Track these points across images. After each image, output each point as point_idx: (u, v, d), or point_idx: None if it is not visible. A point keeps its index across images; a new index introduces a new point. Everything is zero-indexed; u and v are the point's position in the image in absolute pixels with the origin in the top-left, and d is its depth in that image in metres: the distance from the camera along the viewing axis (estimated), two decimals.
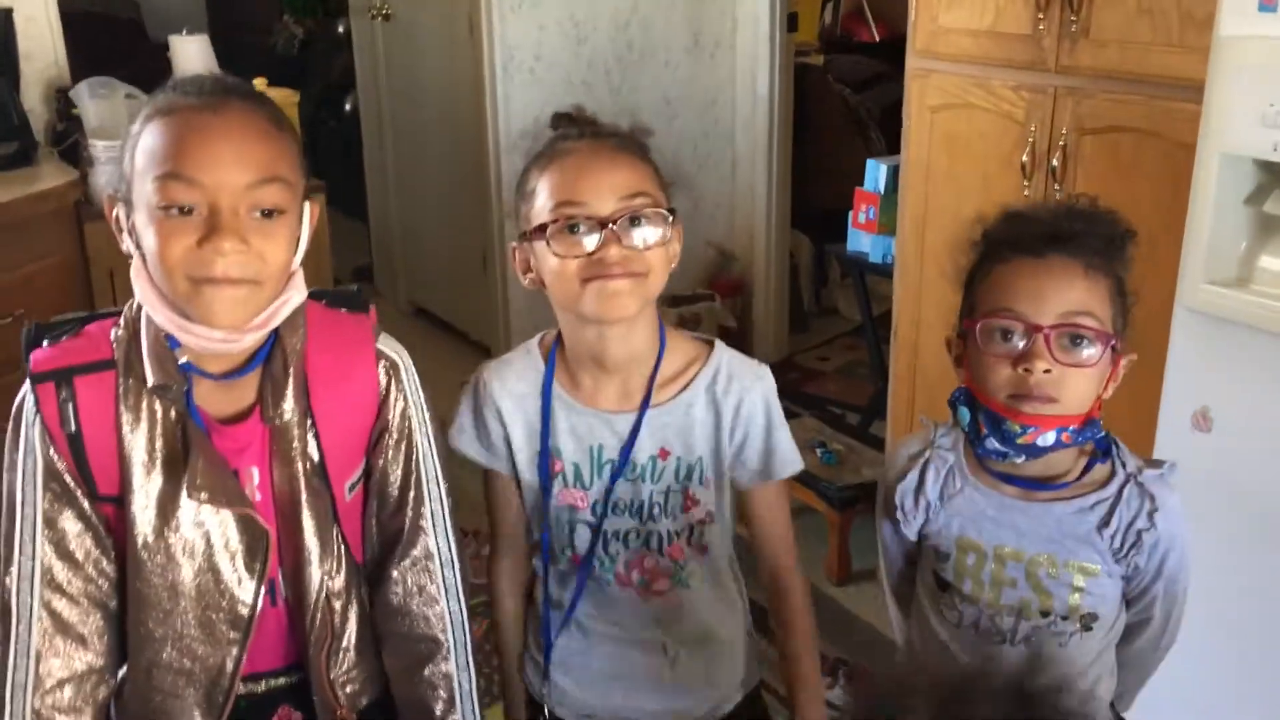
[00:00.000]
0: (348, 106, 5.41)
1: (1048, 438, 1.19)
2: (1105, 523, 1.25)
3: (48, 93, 2.94)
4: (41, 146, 2.84)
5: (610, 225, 1.21)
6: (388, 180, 4.76)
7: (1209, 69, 1.77)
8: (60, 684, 1.15)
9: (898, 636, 1.55)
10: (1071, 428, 1.20)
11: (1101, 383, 1.22)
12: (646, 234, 1.23)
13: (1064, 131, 2.20)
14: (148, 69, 2.82)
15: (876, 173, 3.05)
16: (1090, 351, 1.18)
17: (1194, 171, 1.85)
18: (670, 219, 1.26)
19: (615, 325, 1.26)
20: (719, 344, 1.38)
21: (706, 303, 3.94)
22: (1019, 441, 1.20)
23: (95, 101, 2.71)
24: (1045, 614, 1.28)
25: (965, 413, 1.25)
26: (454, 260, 4.35)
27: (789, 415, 1.40)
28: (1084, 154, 2.19)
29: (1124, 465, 1.27)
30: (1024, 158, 2.27)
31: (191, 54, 2.93)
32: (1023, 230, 1.23)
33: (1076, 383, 1.18)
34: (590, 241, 1.21)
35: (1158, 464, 1.28)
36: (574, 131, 1.29)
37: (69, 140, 2.81)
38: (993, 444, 1.22)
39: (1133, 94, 2.09)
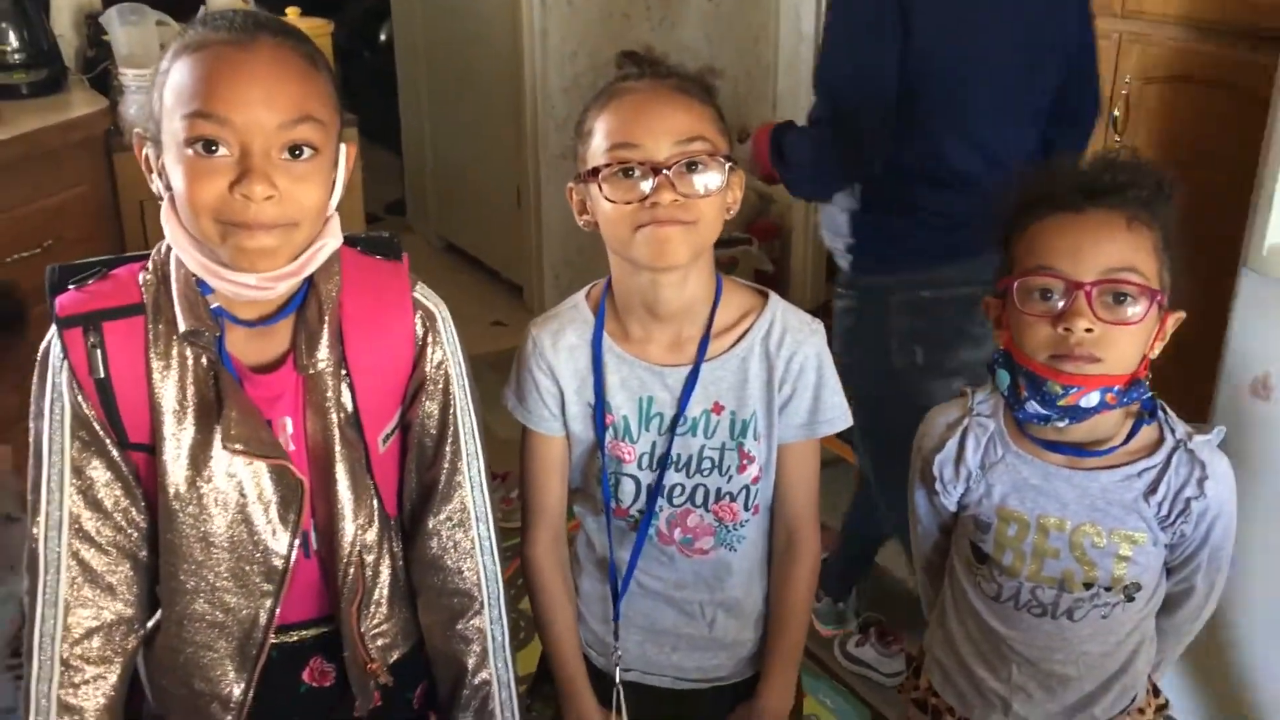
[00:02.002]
0: (383, 37, 5.32)
1: (1091, 399, 1.15)
2: (1153, 490, 1.21)
3: (78, 19, 2.89)
4: (71, 73, 2.78)
5: (665, 171, 1.17)
6: (422, 113, 4.69)
7: None
8: (89, 633, 1.13)
9: (925, 610, 1.51)
10: (1116, 388, 1.15)
11: (1147, 341, 1.17)
12: (703, 180, 1.19)
13: (1128, 79, 2.12)
14: None
15: None
16: (1134, 309, 1.13)
17: (1268, 125, 1.76)
18: (728, 166, 1.21)
19: (669, 273, 1.23)
20: (773, 296, 1.34)
21: (744, 246, 3.87)
22: (1060, 404, 1.15)
23: (125, 28, 2.66)
24: (1088, 585, 1.24)
25: (1005, 375, 1.21)
26: (487, 196, 4.29)
27: None
28: (1148, 103, 2.11)
29: (1172, 431, 1.23)
30: None
31: None
32: (1060, 185, 1.18)
33: (1120, 341, 1.13)
34: (644, 187, 1.18)
35: (1205, 429, 1.23)
36: (635, 71, 1.25)
37: (99, 67, 2.75)
38: (1034, 407, 1.18)
39: (1204, 42, 2.00)
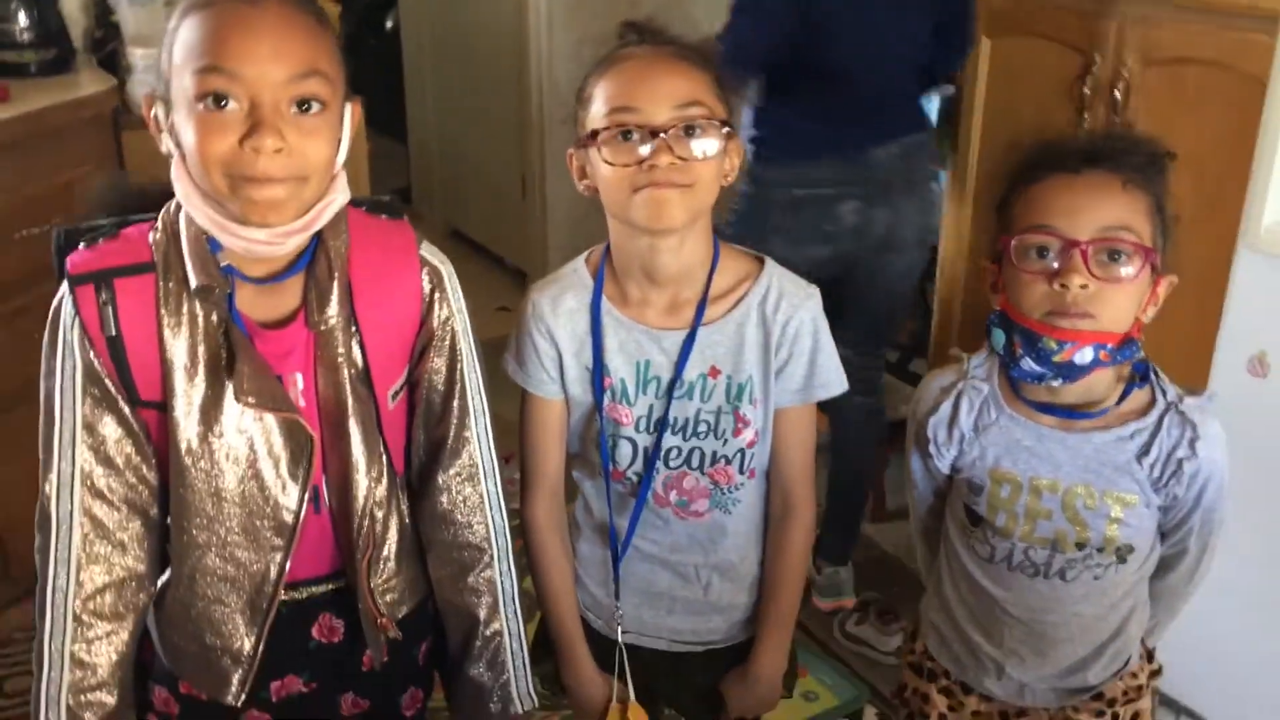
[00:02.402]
0: (389, 24, 5.33)
1: (1085, 354, 1.17)
2: (1145, 451, 1.23)
3: None
4: (80, 53, 2.80)
5: (663, 134, 1.19)
6: (428, 101, 4.70)
7: None
8: (101, 590, 1.15)
9: (923, 574, 1.53)
10: (1109, 345, 1.18)
11: (1141, 302, 1.19)
12: (701, 145, 1.21)
13: (1128, 62, 2.12)
14: None
15: (929, 104, 2.95)
16: (1129, 268, 1.16)
17: (1265, 105, 1.77)
18: (726, 131, 1.23)
19: (666, 236, 1.25)
20: (769, 261, 1.35)
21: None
22: (1055, 360, 1.18)
23: (134, 8, 2.67)
24: (1081, 546, 1.26)
25: (1000, 334, 1.23)
26: (493, 183, 4.30)
27: None
28: (1148, 86, 2.11)
29: (1164, 393, 1.25)
30: (1085, 89, 2.18)
31: None
32: (1058, 150, 1.21)
33: (1115, 299, 1.16)
34: (642, 150, 1.20)
35: (1197, 392, 1.25)
36: (634, 38, 1.27)
37: (108, 48, 2.77)
38: (1029, 364, 1.20)
39: (1203, 23, 2.01)
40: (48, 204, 2.36)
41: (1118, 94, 2.13)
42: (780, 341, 1.31)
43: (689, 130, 1.20)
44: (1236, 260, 1.86)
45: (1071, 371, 1.19)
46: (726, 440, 1.33)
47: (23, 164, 2.33)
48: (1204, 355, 1.89)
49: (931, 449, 1.33)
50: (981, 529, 1.31)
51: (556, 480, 1.40)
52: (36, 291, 2.33)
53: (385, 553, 1.24)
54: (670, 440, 1.34)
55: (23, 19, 2.61)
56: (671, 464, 1.35)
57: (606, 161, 1.22)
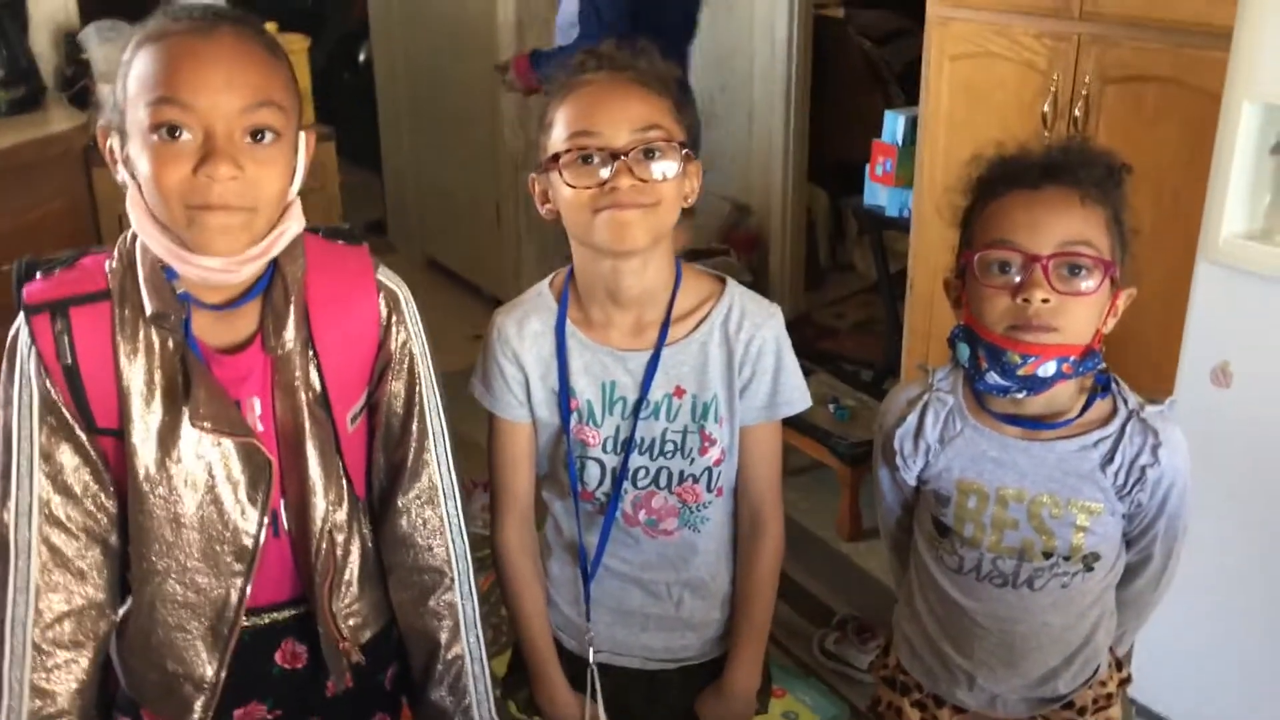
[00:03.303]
0: (362, 57, 5.36)
1: (1048, 368, 1.18)
2: (1109, 459, 1.24)
3: (56, 36, 2.92)
4: (50, 90, 2.82)
5: (623, 156, 1.21)
6: (401, 132, 4.72)
7: (1238, 15, 1.72)
8: (60, 618, 1.14)
9: (896, 587, 1.54)
10: (1071, 358, 1.19)
11: (1101, 314, 1.21)
12: (660, 167, 1.23)
13: (1087, 80, 2.16)
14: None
15: (894, 124, 2.99)
16: (1089, 281, 1.17)
17: (1220, 120, 1.80)
18: (684, 152, 1.25)
19: (629, 258, 1.26)
20: (730, 280, 1.37)
21: (722, 257, 3.90)
22: (1019, 373, 1.19)
23: (104, 45, 2.69)
24: (1048, 555, 1.27)
25: (965, 349, 1.24)
26: (467, 213, 4.32)
27: (804, 371, 1.38)
28: (1107, 103, 2.14)
29: (1125, 402, 1.26)
30: (1045, 107, 2.22)
31: None
32: (1018, 165, 1.23)
33: (1076, 312, 1.17)
34: (603, 172, 1.21)
35: (1157, 401, 1.27)
36: (594, 64, 1.28)
37: (78, 85, 2.79)
38: (993, 378, 1.21)
39: (1158, 42, 2.04)
40: (19, 241, 2.36)
41: (1078, 112, 2.16)
42: (744, 360, 1.32)
43: (648, 153, 1.22)
44: (1196, 272, 1.88)
45: (1035, 384, 1.20)
46: (693, 459, 1.34)
47: None
48: (1168, 366, 1.91)
49: (898, 461, 1.34)
50: (949, 540, 1.32)
51: (526, 503, 1.40)
52: (7, 328, 2.35)
53: (347, 577, 1.24)
54: (637, 460, 1.34)
55: None
56: (640, 484, 1.35)
57: (568, 184, 1.23)
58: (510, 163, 3.94)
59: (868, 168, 3.10)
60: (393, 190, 4.88)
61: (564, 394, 1.33)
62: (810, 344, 3.90)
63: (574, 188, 1.23)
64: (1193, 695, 1.98)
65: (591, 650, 1.42)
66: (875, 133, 3.09)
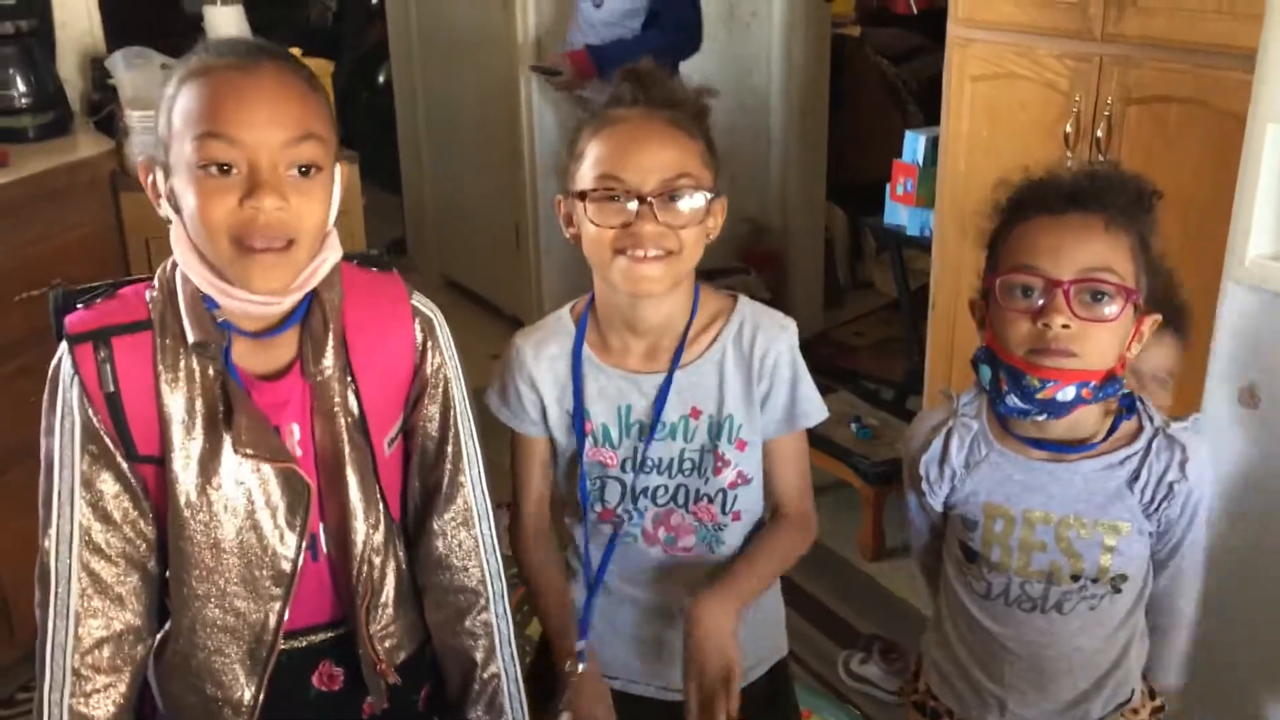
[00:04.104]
0: (381, 78, 5.40)
1: (1067, 393, 1.18)
2: (1135, 477, 1.25)
3: (83, 62, 2.94)
4: (77, 116, 2.84)
5: (649, 201, 1.22)
6: (421, 153, 4.75)
7: (1262, 37, 1.73)
8: (99, 643, 1.16)
9: (926, 610, 1.54)
10: (1092, 383, 1.19)
11: (1124, 340, 1.21)
12: (684, 213, 1.24)
13: (1109, 101, 2.16)
14: (182, 39, 2.81)
15: (915, 144, 3.00)
16: (1111, 308, 1.18)
17: (1245, 142, 1.80)
18: (710, 198, 1.26)
19: (653, 296, 1.28)
20: (741, 297, 1.38)
21: (740, 276, 3.91)
22: (1038, 397, 1.19)
23: (131, 71, 2.71)
24: (1076, 578, 1.27)
25: (986, 370, 1.25)
26: (487, 233, 4.34)
27: (823, 390, 1.39)
28: (1129, 124, 2.15)
29: (1151, 419, 1.26)
30: (1067, 128, 2.23)
31: (226, 24, 2.92)
32: (1043, 190, 1.23)
33: (1097, 338, 1.18)
34: (626, 214, 1.23)
35: (1182, 418, 1.27)
36: (628, 97, 1.29)
37: (105, 110, 2.81)
38: (1014, 401, 1.22)
39: (1181, 62, 2.05)
40: (47, 266, 2.39)
41: (1100, 133, 2.17)
42: (760, 373, 1.33)
43: (673, 198, 1.23)
44: (1223, 293, 1.88)
45: (1055, 408, 1.21)
46: (708, 479, 1.35)
47: (22, 227, 2.36)
48: (1195, 387, 1.91)
49: (924, 487, 1.34)
50: (977, 565, 1.32)
51: (541, 499, 1.42)
52: (36, 352, 2.34)
53: (383, 599, 1.26)
54: (656, 479, 1.36)
55: (21, 84, 2.65)
56: (659, 501, 1.36)
57: (592, 221, 1.25)
58: (529, 182, 3.96)
59: (888, 187, 3.10)
60: (412, 210, 4.90)
61: (578, 417, 1.35)
62: (830, 362, 3.91)
63: (598, 225, 1.24)
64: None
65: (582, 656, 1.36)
66: (893, 151, 3.10)
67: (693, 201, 1.24)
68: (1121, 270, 1.18)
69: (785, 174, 4.10)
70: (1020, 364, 1.19)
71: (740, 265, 3.98)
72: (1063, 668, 1.31)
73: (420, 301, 1.25)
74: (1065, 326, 1.16)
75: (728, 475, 1.35)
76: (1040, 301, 1.18)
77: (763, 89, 4.03)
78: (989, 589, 1.31)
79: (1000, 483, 1.29)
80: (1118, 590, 1.28)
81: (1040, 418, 1.22)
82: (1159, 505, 1.24)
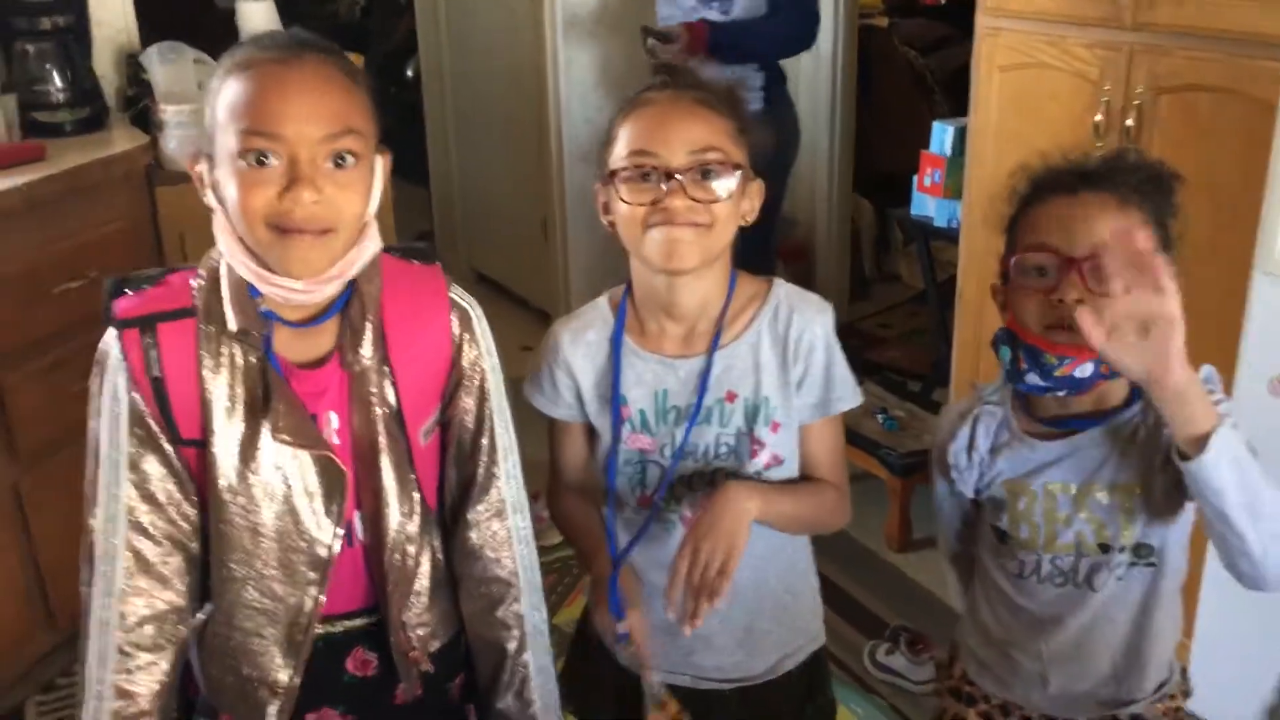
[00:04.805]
0: (409, 72, 5.43)
1: (1085, 369, 1.19)
2: (1133, 436, 1.24)
3: (118, 58, 2.98)
4: (112, 111, 2.88)
5: (678, 176, 1.23)
6: (449, 146, 4.78)
7: None
8: (142, 622, 1.18)
9: (956, 602, 1.55)
10: None
11: None
12: (715, 187, 1.25)
13: (1139, 90, 2.15)
14: (215, 34, 2.85)
15: (943, 135, 3.00)
16: None
17: (1276, 131, 1.80)
18: (740, 174, 1.27)
19: (681, 276, 1.28)
20: (778, 281, 1.39)
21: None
22: (1057, 374, 1.20)
23: (165, 66, 2.74)
24: (1104, 548, 1.28)
25: (1006, 351, 1.26)
26: (515, 226, 4.36)
27: None
28: (1160, 114, 2.14)
29: None
30: (1097, 118, 2.22)
31: (257, 19, 2.95)
32: (1057, 172, 1.25)
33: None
34: (658, 191, 1.24)
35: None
36: (659, 82, 1.31)
37: (139, 105, 2.84)
38: (1033, 379, 1.22)
39: (1212, 51, 2.03)
40: (84, 259, 2.43)
41: (1130, 122, 2.16)
42: (796, 356, 1.34)
43: (704, 173, 1.24)
44: (1253, 283, 1.88)
45: (1074, 385, 1.22)
46: (744, 462, 1.36)
47: (60, 220, 2.40)
48: (1225, 378, 1.90)
49: (954, 474, 1.36)
50: (1009, 546, 1.33)
51: (578, 469, 1.44)
52: (74, 344, 2.41)
53: (417, 587, 1.28)
54: (692, 465, 1.37)
55: (58, 80, 2.69)
56: (696, 487, 1.37)
57: (624, 200, 1.26)
58: (556, 175, 3.98)
59: (915, 178, 3.10)
60: (440, 203, 4.93)
61: (615, 403, 1.36)
62: (856, 354, 3.87)
63: (629, 204, 1.26)
64: (1246, 708, 1.96)
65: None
66: (920, 142, 3.10)
67: (725, 181, 1.25)
68: None
69: (812, 166, 4.09)
70: (1038, 341, 1.20)
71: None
72: (1098, 643, 1.32)
73: (458, 294, 1.27)
74: (1079, 301, 1.17)
75: (762, 458, 1.35)
76: (1055, 279, 1.19)
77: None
78: (1021, 567, 1.33)
79: (1022, 462, 1.31)
80: (1149, 564, 1.28)
81: (1060, 394, 1.23)
82: (1167, 459, 1.20)
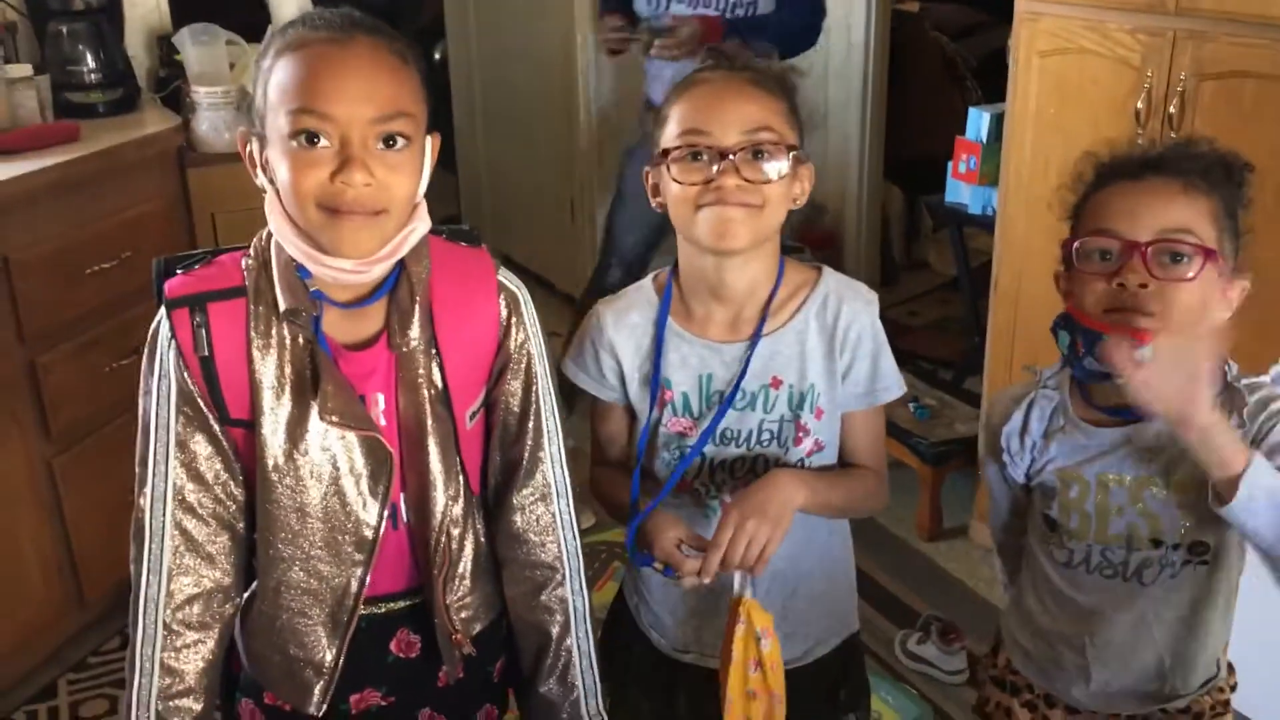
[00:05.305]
0: (437, 55, 5.42)
1: (1144, 353, 1.16)
2: None
3: (150, 40, 2.99)
4: (145, 92, 2.88)
5: (730, 156, 1.22)
6: (476, 130, 4.77)
7: None
8: (189, 600, 1.19)
9: (1002, 592, 1.53)
10: None
11: (1206, 303, 1.19)
12: (767, 168, 1.24)
13: (1182, 77, 2.12)
14: (246, 16, 2.85)
15: (979, 121, 2.97)
16: (1190, 268, 1.17)
17: None
18: (792, 155, 1.25)
19: (731, 256, 1.27)
20: (826, 269, 1.38)
21: (795, 255, 3.89)
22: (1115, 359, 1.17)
23: (197, 48, 2.75)
24: (1156, 543, 1.26)
25: (1065, 336, 1.24)
26: (541, 209, 4.35)
27: None
28: (1203, 101, 2.11)
29: (1224, 374, 1.21)
30: (1139, 104, 2.19)
31: (288, 1, 2.95)
32: (1123, 159, 1.24)
33: (1175, 299, 1.16)
34: (710, 170, 1.23)
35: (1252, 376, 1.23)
36: (712, 63, 1.30)
37: (171, 86, 2.85)
38: (1091, 363, 1.21)
39: (1258, 37, 2.00)
40: (117, 240, 2.43)
41: (1172, 109, 2.13)
42: (843, 346, 1.33)
43: (757, 154, 1.23)
44: None
45: None
46: (788, 449, 1.35)
47: (93, 201, 2.40)
48: (1268, 366, 1.88)
49: (1005, 458, 1.35)
50: (1058, 534, 1.32)
51: (621, 448, 1.43)
52: (107, 325, 2.42)
53: (461, 570, 1.27)
54: (734, 451, 1.36)
55: (91, 61, 2.70)
56: (738, 474, 1.37)
57: (675, 180, 1.25)
58: (583, 159, 3.96)
59: (950, 165, 3.07)
60: (467, 187, 4.93)
61: (655, 385, 1.35)
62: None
63: (680, 184, 1.25)
64: None
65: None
66: (951, 129, 3.07)
67: (778, 163, 1.24)
68: (1201, 233, 1.17)
69: (843, 153, 4.07)
70: (1098, 325, 1.19)
71: (795, 244, 3.95)
72: (1145, 640, 1.30)
73: (506, 277, 1.26)
74: (1143, 286, 1.16)
75: (806, 445, 1.35)
76: (1117, 264, 1.18)
77: (820, 65, 3.99)
78: (1070, 557, 1.31)
79: (1075, 450, 1.29)
80: (1203, 561, 1.27)
81: (1119, 380, 1.21)
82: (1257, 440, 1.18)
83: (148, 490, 1.17)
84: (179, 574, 1.18)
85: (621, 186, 3.06)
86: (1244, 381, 1.23)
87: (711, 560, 1.25)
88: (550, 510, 1.29)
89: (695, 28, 2.78)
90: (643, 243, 2.99)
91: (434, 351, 1.20)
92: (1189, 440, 1.09)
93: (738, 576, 1.28)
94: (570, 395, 1.47)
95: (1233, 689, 1.38)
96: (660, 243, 2.95)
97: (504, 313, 1.25)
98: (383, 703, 1.30)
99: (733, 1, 2.88)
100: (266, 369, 1.15)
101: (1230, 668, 1.39)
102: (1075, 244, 1.22)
